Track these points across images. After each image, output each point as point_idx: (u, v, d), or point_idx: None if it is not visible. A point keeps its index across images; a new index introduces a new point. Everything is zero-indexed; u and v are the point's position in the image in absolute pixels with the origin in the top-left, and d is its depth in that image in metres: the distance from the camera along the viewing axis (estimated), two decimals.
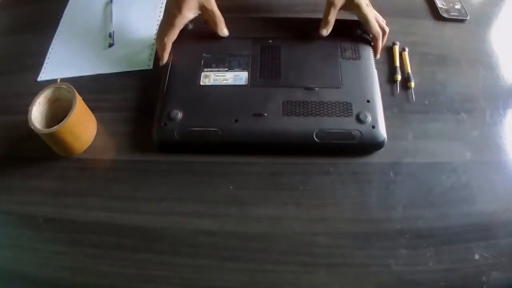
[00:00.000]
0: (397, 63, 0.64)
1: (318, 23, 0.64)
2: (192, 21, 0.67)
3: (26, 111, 0.54)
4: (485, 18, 0.72)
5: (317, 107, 0.57)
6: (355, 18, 0.65)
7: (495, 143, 0.58)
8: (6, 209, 0.56)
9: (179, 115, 0.57)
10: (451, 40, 0.68)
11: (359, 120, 0.56)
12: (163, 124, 0.57)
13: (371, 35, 0.63)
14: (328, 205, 0.53)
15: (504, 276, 0.48)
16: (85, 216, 0.54)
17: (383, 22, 0.64)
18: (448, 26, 0.70)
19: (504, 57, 0.66)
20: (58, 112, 0.57)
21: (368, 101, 0.57)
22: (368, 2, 0.63)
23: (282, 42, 0.64)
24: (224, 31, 0.64)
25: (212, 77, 0.61)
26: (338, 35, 0.64)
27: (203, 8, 0.61)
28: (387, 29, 0.63)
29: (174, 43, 0.63)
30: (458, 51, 0.67)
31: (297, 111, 0.57)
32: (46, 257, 0.52)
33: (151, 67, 0.67)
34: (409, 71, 0.63)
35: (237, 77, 0.60)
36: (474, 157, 0.56)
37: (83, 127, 0.58)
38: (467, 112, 0.60)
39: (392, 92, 0.62)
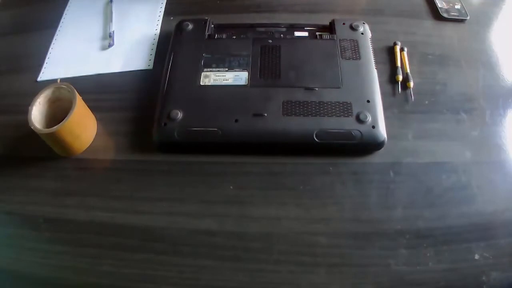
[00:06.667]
0: (399, 63, 0.64)
1: (319, 23, 0.64)
2: (192, 21, 0.67)
3: (26, 111, 0.54)
4: (485, 18, 0.72)
5: (317, 107, 0.57)
6: (355, 17, 0.65)
7: (495, 143, 0.58)
8: (6, 209, 0.56)
9: (179, 115, 0.57)
10: (451, 40, 0.68)
11: (359, 120, 0.56)
12: (163, 124, 0.57)
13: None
14: (328, 205, 0.53)
15: (504, 276, 0.48)
16: (85, 216, 0.54)
17: None
18: (448, 26, 0.70)
19: (504, 57, 0.66)
20: (58, 112, 0.57)
21: (368, 101, 0.57)
22: None
23: (282, 42, 0.64)
24: None
25: (212, 77, 0.60)
26: (338, 35, 0.64)
27: None
28: None
29: (174, 43, 0.63)
30: (458, 51, 0.67)
31: (297, 111, 0.57)
32: (46, 257, 0.52)
33: (151, 67, 0.67)
34: (408, 71, 0.63)
35: (237, 77, 0.60)
36: (474, 157, 0.56)
37: (83, 127, 0.58)
38: (467, 112, 0.60)
39: (393, 92, 0.62)
